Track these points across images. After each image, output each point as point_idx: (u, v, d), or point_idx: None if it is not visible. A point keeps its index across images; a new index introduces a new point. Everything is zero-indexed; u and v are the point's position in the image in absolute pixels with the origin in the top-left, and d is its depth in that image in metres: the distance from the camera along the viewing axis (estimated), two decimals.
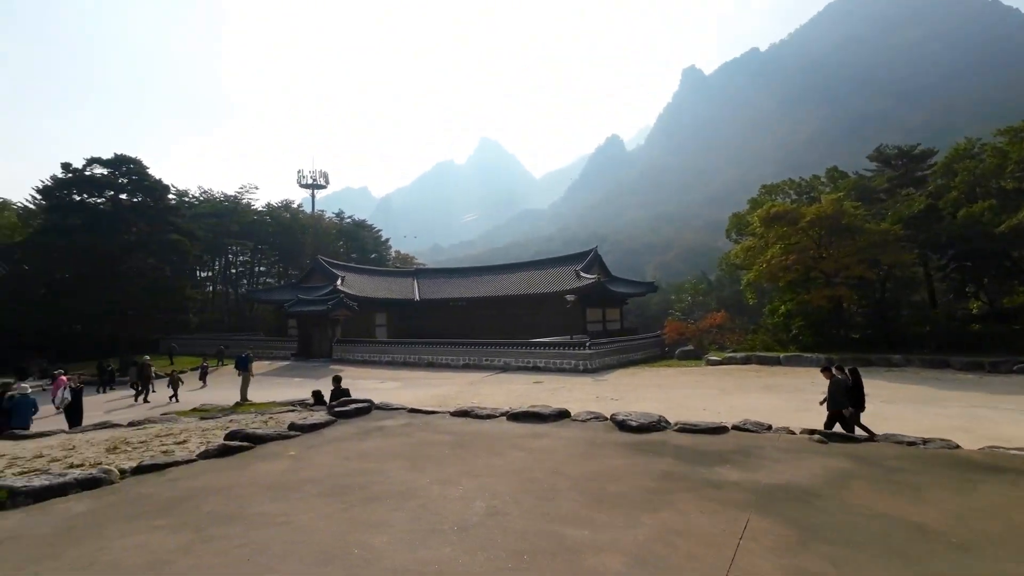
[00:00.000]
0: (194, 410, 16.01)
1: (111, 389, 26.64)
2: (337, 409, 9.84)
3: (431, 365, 31.60)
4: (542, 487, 5.58)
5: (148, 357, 22.26)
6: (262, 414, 10.97)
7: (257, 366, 27.09)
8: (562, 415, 8.92)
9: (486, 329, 37.44)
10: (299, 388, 22.28)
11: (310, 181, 75.64)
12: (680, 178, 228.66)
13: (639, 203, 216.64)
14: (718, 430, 7.82)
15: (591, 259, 41.40)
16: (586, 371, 26.43)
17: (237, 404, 17.61)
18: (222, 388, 24.79)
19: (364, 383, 24.34)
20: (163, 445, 8.19)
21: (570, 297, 33.53)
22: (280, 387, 24.52)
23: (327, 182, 77.17)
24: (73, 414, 14.01)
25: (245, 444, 7.44)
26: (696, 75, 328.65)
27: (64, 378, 23.46)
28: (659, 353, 34.56)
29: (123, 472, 6.36)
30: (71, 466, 6.93)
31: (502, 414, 9.20)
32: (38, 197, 46.43)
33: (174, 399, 21.29)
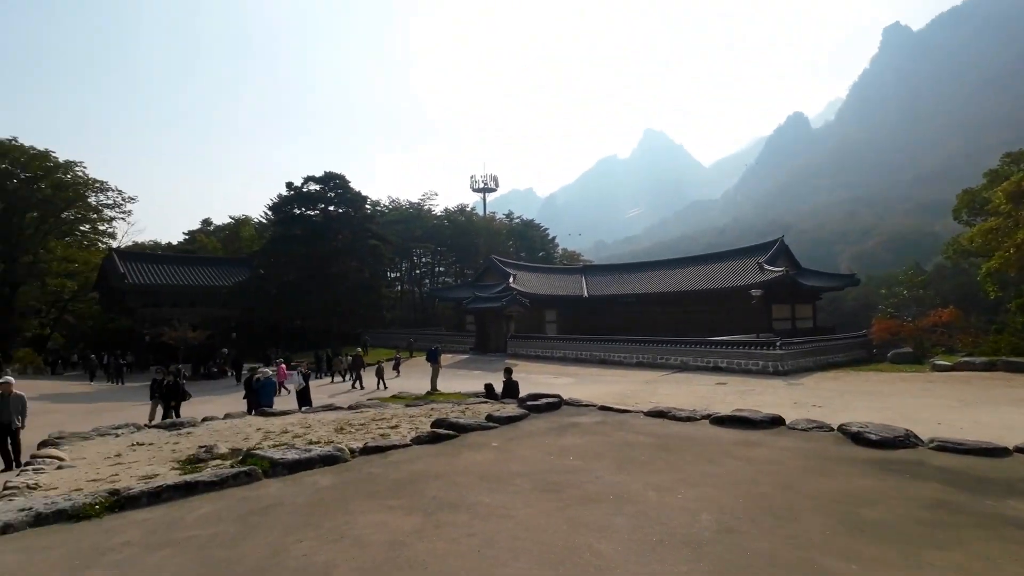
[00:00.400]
0: (394, 397, 17.62)
1: (324, 376, 30.78)
2: (529, 403, 9.96)
3: (603, 362, 31.22)
4: (776, 504, 4.88)
5: (360, 349, 25.07)
6: (458, 404, 11.57)
7: (442, 359, 29.24)
8: (775, 421, 7.94)
9: (657, 326, 35.97)
10: (478, 380, 23.43)
11: (481, 185, 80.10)
12: (881, 156, 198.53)
13: (828, 186, 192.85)
14: (995, 452, 6.27)
15: (776, 250, 37.54)
16: (776, 373, 23.92)
17: (428, 393, 19.04)
18: (412, 378, 27.11)
19: (537, 377, 24.81)
20: (379, 428, 8.96)
21: (755, 292, 30.67)
22: (462, 378, 26.08)
23: (496, 185, 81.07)
24: (303, 397, 16.29)
25: (451, 432, 7.80)
26: (901, 33, 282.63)
27: (284, 367, 27.19)
28: (864, 356, 30.02)
29: (352, 452, 7.01)
30: (311, 443, 7.87)
31: (703, 417, 8.49)
32: (269, 213, 55.71)
33: (382, 386, 23.71)
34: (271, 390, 16.22)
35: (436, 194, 71.88)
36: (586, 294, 45.02)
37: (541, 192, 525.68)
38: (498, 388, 14.28)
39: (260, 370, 16.64)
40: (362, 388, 24.31)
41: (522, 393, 12.59)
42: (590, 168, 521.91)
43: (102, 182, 48.57)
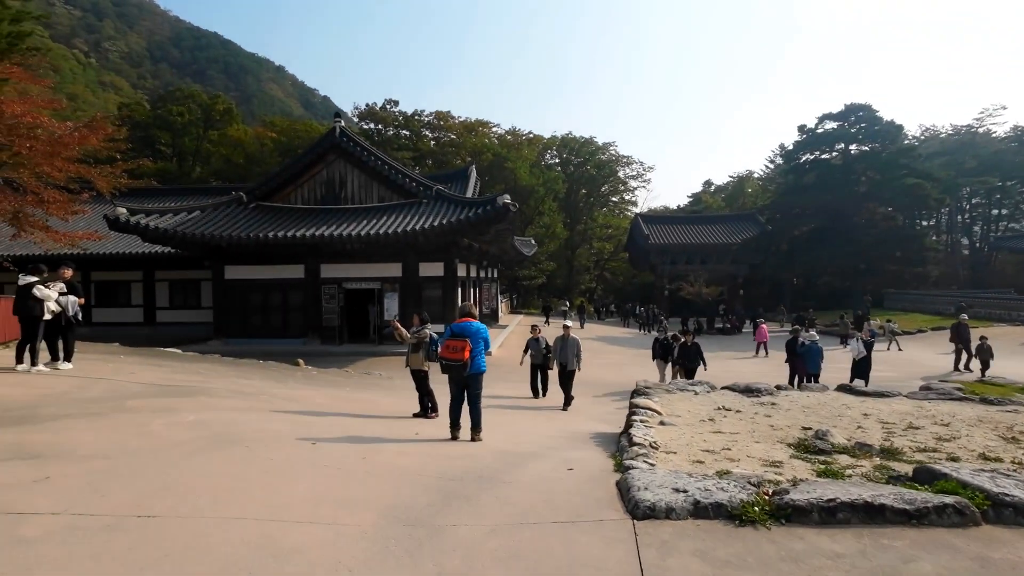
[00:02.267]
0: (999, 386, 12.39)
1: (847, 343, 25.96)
2: None
3: None
4: None
5: (965, 316, 19.06)
6: None
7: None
8: None
9: None
10: None
11: None
12: None
13: None
14: None
15: None
16: None
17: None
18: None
19: None
20: None
21: None
22: None
23: None
24: (861, 368, 13.22)
25: None
26: None
27: (764, 327, 23.21)
28: None
29: None
30: (986, 458, 5.09)
31: None
32: (770, 165, 52.63)
33: (966, 368, 17.82)
34: (817, 356, 13.85)
35: (1002, 108, 52.07)
36: None
37: None
38: None
39: (803, 334, 14.45)
40: (968, 370, 17.76)
41: None
42: None
43: (628, 157, 56.31)
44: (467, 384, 6.64)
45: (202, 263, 21.90)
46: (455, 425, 6.59)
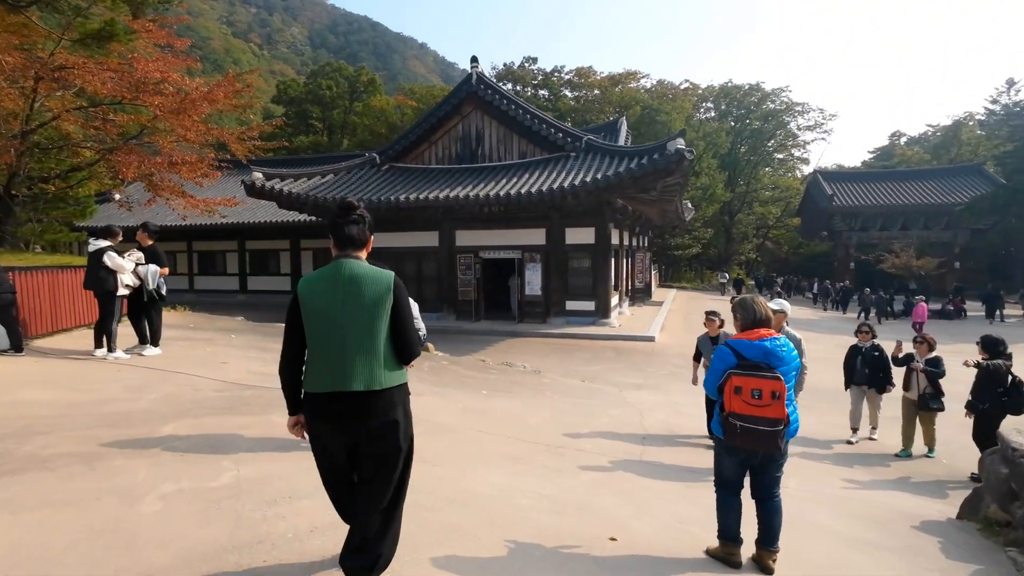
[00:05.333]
0: None
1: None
2: None
3: None
4: None
5: None
6: None
7: None
8: None
9: None
10: None
11: None
12: None
13: None
14: None
15: None
16: None
17: None
18: None
19: None
20: None
21: None
22: None
23: None
24: None
25: None
26: None
27: (924, 305, 19.26)
28: None
29: None
30: None
31: None
32: (992, 107, 41.08)
33: None
34: None
35: None
36: None
37: None
38: None
39: None
40: None
41: None
42: None
43: (803, 104, 47.73)
44: (764, 464, 3.22)
45: None
46: (734, 539, 3.27)
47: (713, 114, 50.72)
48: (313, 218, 21.92)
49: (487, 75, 19.45)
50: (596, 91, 47.19)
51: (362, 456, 2.44)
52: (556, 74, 48.33)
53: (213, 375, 6.86)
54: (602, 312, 17.23)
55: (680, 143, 14.28)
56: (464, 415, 6.58)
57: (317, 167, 20.26)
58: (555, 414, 7.26)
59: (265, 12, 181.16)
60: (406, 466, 2.56)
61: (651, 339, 15.44)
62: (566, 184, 15.50)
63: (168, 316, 12.09)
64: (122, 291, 7.12)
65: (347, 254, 2.40)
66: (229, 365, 7.60)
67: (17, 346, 6.99)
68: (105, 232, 7.19)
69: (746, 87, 47.71)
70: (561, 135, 18.05)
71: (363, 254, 2.45)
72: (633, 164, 14.98)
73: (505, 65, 48.89)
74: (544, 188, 15.68)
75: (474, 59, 19.22)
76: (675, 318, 21.08)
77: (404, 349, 2.43)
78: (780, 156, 53.76)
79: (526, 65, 48.46)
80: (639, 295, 23.91)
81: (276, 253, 27.12)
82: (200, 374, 6.83)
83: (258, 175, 17.86)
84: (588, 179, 15.34)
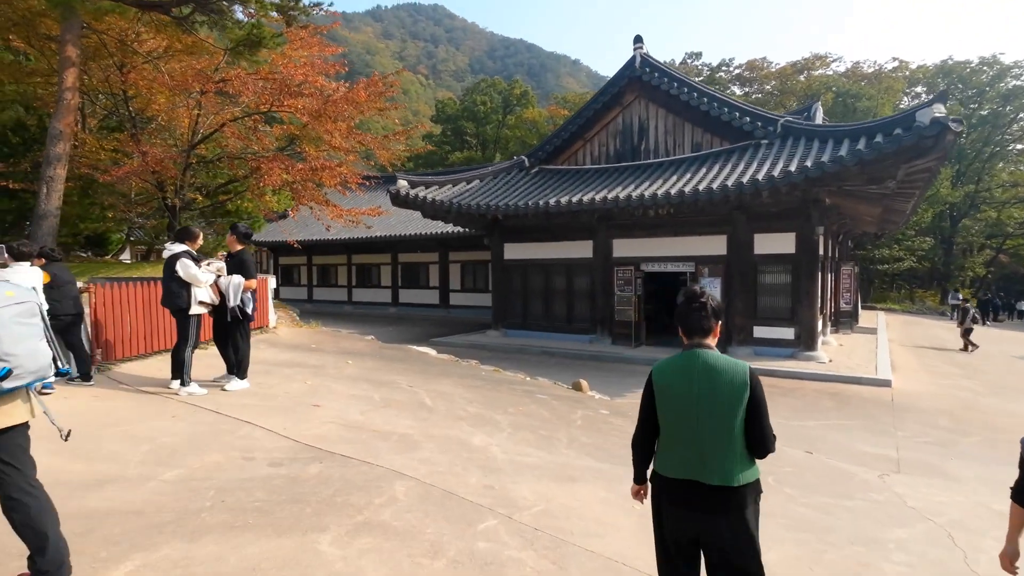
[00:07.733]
0: None
1: None
2: None
3: None
4: None
5: None
6: None
7: None
8: None
9: None
10: None
11: None
12: None
13: None
14: None
15: None
16: None
17: None
18: None
19: None
20: None
21: None
22: None
23: None
24: None
25: None
26: None
27: None
28: None
29: None
30: None
31: None
32: None
33: None
34: None
35: None
36: None
37: None
38: None
39: None
40: None
41: None
42: None
43: None
44: None
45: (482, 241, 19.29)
46: None
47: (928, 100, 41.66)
48: (460, 229, 20.79)
49: (652, 57, 16.52)
50: (773, 82, 41.34)
51: (710, 548, 2.34)
52: (724, 68, 43.38)
53: (289, 429, 4.97)
54: (806, 343, 13.20)
55: (939, 110, 10.08)
56: (645, 531, 3.80)
57: (463, 174, 18.93)
58: (801, 534, 4.19)
59: (431, 45, 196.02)
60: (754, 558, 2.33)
61: (886, 383, 11.19)
62: (760, 176, 11.98)
63: (295, 333, 11.01)
64: (196, 309, 5.59)
65: (698, 343, 2.42)
66: (321, 410, 5.72)
67: (85, 374, 5.79)
68: (183, 235, 5.73)
69: (975, 62, 38.39)
70: (748, 119, 14.47)
71: (712, 341, 2.44)
72: (861, 145, 11.01)
73: (665, 64, 45.15)
74: (729, 183, 12.32)
75: (638, 39, 16.47)
76: (903, 352, 16.05)
77: (759, 445, 2.34)
78: (1022, 146, 42.52)
79: (688, 61, 44.21)
80: (844, 320, 18.94)
81: (425, 266, 26.69)
82: (272, 427, 4.97)
83: (403, 183, 16.88)
84: (792, 168, 11.68)
